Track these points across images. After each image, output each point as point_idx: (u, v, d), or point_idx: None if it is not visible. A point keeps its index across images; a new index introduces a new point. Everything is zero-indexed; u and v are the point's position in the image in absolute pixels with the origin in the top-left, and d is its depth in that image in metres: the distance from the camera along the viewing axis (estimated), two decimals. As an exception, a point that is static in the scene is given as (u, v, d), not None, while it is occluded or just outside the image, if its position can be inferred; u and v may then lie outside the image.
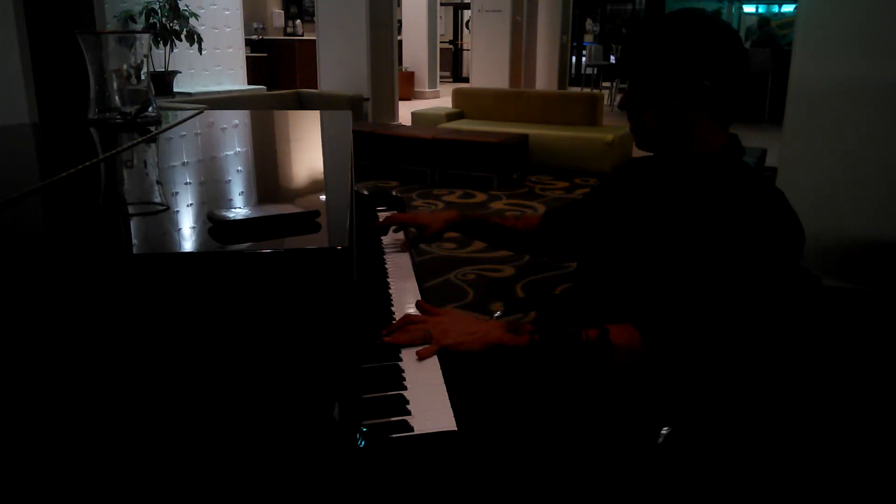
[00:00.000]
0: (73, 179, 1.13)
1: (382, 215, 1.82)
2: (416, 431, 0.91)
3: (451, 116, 7.19)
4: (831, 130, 3.25)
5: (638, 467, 1.17)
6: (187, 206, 1.05)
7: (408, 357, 1.10)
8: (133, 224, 1.00)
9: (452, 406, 0.98)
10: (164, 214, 1.02)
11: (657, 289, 1.20)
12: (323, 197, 1.16)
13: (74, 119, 1.78)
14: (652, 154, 1.33)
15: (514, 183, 5.78)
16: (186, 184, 1.21)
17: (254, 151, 1.66)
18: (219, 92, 7.53)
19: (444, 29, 15.78)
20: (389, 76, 7.99)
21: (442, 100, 12.00)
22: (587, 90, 10.91)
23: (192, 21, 7.65)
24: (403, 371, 1.06)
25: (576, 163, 6.09)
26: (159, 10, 7.45)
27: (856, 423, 2.26)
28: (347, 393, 0.92)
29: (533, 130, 6.27)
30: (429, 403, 0.98)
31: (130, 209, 1.07)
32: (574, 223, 1.54)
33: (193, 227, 0.94)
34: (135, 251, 0.89)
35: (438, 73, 13.43)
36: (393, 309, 1.30)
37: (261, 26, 12.13)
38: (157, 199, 1.12)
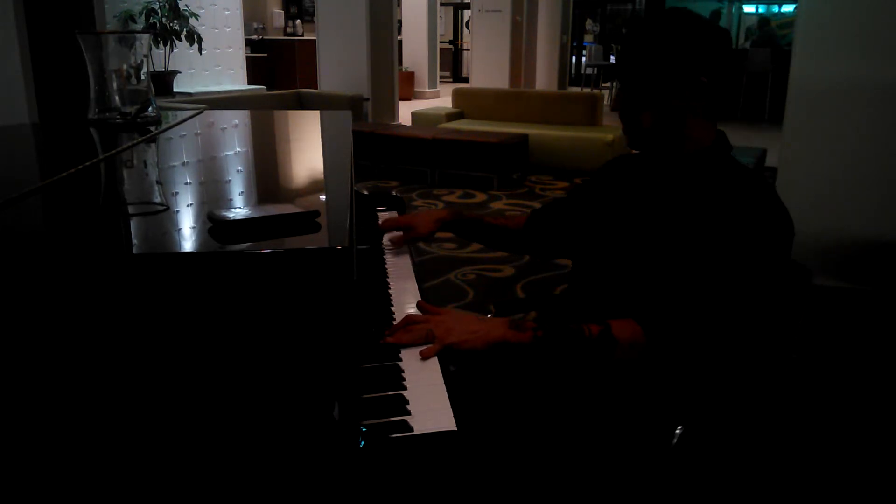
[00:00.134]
0: (73, 179, 1.13)
1: (382, 215, 1.82)
2: (416, 431, 0.91)
3: (451, 116, 7.19)
4: (831, 130, 3.25)
5: (637, 467, 1.17)
6: (187, 206, 1.05)
7: (408, 357, 1.10)
8: (133, 224, 1.00)
9: (452, 406, 0.98)
10: (164, 214, 1.02)
11: (656, 283, 1.20)
12: (323, 197, 1.16)
13: (74, 119, 1.78)
14: (639, 151, 1.35)
15: (514, 183, 5.78)
16: (186, 184, 1.21)
17: (254, 151, 1.66)
18: (219, 92, 7.53)
19: (444, 29, 15.78)
20: (389, 76, 7.99)
21: (442, 100, 12.00)
22: (587, 90, 10.91)
23: (192, 21, 7.65)
24: (403, 371, 1.06)
25: (576, 163, 6.09)
26: (159, 10, 7.45)
27: (856, 423, 2.26)
28: (347, 393, 0.92)
29: (533, 130, 6.27)
30: (429, 403, 0.98)
31: (130, 209, 1.07)
32: (560, 221, 1.55)
33: (193, 227, 0.94)
34: (135, 251, 0.89)
35: (438, 73, 13.43)
36: (393, 309, 1.30)
37: (261, 26, 12.13)
38: (157, 199, 1.12)
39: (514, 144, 5.74)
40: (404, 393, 1.00)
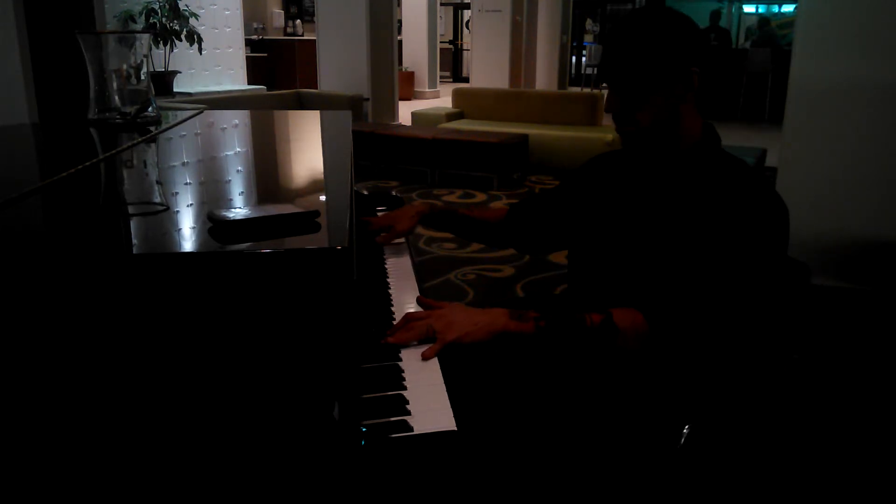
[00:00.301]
0: (73, 179, 1.13)
1: (381, 215, 1.82)
2: (416, 431, 0.91)
3: (451, 116, 7.19)
4: (831, 130, 3.25)
5: (645, 467, 1.17)
6: (187, 206, 1.05)
7: (408, 357, 1.10)
8: (133, 224, 1.00)
9: (452, 406, 0.98)
10: (164, 214, 1.02)
11: (656, 274, 1.21)
12: (323, 197, 1.16)
13: (74, 119, 1.78)
14: (621, 149, 1.36)
15: (514, 183, 5.78)
16: (186, 184, 1.21)
17: (254, 151, 1.66)
18: (219, 92, 7.53)
19: (444, 29, 15.78)
20: (389, 76, 7.99)
21: (442, 100, 12.00)
22: (587, 90, 10.90)
23: (192, 21, 7.65)
24: (403, 371, 1.06)
25: (576, 163, 6.02)
26: (159, 10, 7.45)
27: (856, 423, 2.26)
28: (347, 393, 0.92)
29: (533, 130, 6.27)
30: (429, 403, 0.98)
31: (130, 209, 1.07)
32: (543, 214, 1.55)
33: (193, 227, 0.94)
34: (135, 251, 0.89)
35: (438, 73, 13.43)
36: (393, 309, 1.30)
37: (261, 26, 12.13)
38: (157, 199, 1.12)
39: (514, 144, 5.74)
40: (404, 393, 1.00)
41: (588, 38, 15.38)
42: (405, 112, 8.27)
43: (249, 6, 10.83)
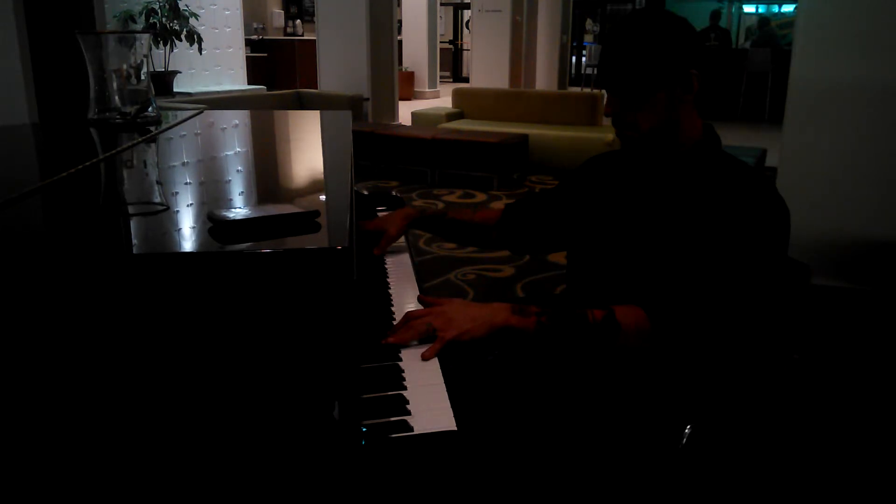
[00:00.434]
0: (73, 179, 1.13)
1: (382, 216, 1.82)
2: (416, 431, 0.91)
3: (451, 116, 7.19)
4: (831, 130, 3.25)
5: (646, 467, 1.17)
6: (187, 206, 1.05)
7: (408, 357, 1.10)
8: (133, 224, 1.00)
9: (452, 406, 0.98)
10: (164, 214, 1.02)
11: (657, 274, 1.21)
12: (323, 197, 1.16)
13: (74, 119, 1.78)
14: (619, 149, 1.36)
15: (514, 183, 5.78)
16: (186, 184, 1.21)
17: (254, 151, 1.66)
18: (219, 92, 7.53)
19: (444, 29, 15.78)
20: (389, 76, 7.99)
21: (442, 100, 12.00)
22: (587, 90, 10.90)
23: (192, 21, 7.64)
24: (403, 371, 1.06)
25: (576, 163, 6.02)
26: (159, 10, 7.44)
27: (856, 423, 2.26)
28: (347, 393, 0.92)
29: (533, 130, 6.27)
30: (429, 403, 0.98)
31: (130, 209, 1.07)
32: (540, 215, 1.54)
33: (193, 227, 0.94)
34: (135, 251, 0.89)
35: (438, 73, 13.43)
36: (393, 309, 1.30)
37: (261, 26, 12.13)
38: (157, 199, 1.12)
39: (514, 144, 5.74)
40: (404, 393, 1.00)
41: (588, 38, 15.38)
42: (405, 112, 8.27)
43: (249, 6, 10.83)
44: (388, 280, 1.44)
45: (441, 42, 13.92)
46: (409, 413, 0.95)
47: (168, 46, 7.47)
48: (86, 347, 0.77)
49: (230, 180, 1.25)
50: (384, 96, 7.90)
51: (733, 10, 13.84)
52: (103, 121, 1.67)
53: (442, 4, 14.27)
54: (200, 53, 7.91)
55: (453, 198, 5.34)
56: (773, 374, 1.33)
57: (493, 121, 6.98)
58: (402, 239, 1.68)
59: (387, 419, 0.93)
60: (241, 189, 1.19)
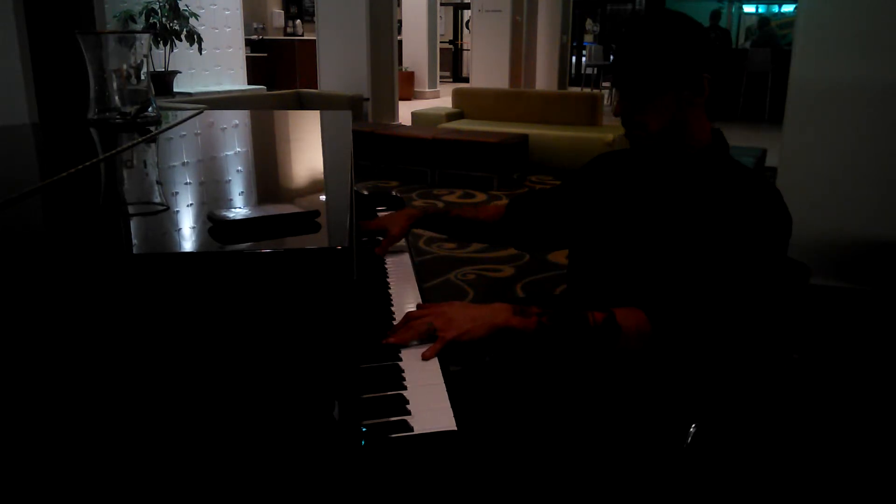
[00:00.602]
0: (73, 179, 1.13)
1: (382, 216, 1.82)
2: (416, 431, 0.91)
3: (451, 116, 7.19)
4: (831, 130, 3.25)
5: (650, 466, 1.17)
6: (187, 206, 1.05)
7: (408, 357, 1.10)
8: (133, 224, 1.00)
9: (452, 406, 0.98)
10: (164, 214, 1.02)
11: (659, 276, 1.21)
12: (323, 197, 1.16)
13: (74, 119, 1.78)
14: (626, 149, 1.35)
15: (514, 183, 5.78)
16: (186, 184, 1.21)
17: (254, 151, 1.66)
18: (219, 92, 7.53)
19: (444, 29, 15.78)
20: (389, 76, 7.99)
21: (442, 100, 12.00)
22: (587, 90, 10.91)
23: (192, 21, 7.64)
24: (403, 371, 1.06)
25: (576, 163, 6.04)
26: (159, 10, 7.44)
27: (856, 423, 2.26)
28: (347, 393, 0.92)
29: (533, 130, 6.26)
30: (429, 403, 0.98)
31: (130, 209, 1.07)
32: (543, 212, 1.54)
33: (193, 227, 0.94)
34: (135, 251, 0.89)
35: (438, 73, 13.42)
36: (393, 309, 1.30)
37: (261, 26, 12.13)
38: (157, 199, 1.12)
39: (514, 144, 5.74)
40: (404, 393, 1.00)
41: (588, 38, 15.38)
42: (405, 112, 8.27)
43: (249, 6, 10.83)
44: (388, 280, 1.44)
45: (441, 42, 13.92)
46: (409, 413, 0.95)
47: (168, 46, 7.47)
48: (86, 347, 0.77)
49: (230, 180, 1.25)
50: (384, 96, 7.90)
51: (733, 10, 13.84)
52: (103, 121, 1.67)
53: (442, 4, 14.27)
54: (200, 53, 7.91)
55: (453, 198, 5.34)
56: (773, 374, 1.33)
57: (493, 121, 6.97)
58: (403, 239, 1.68)
59: (387, 419, 0.93)
60: (241, 189, 1.19)
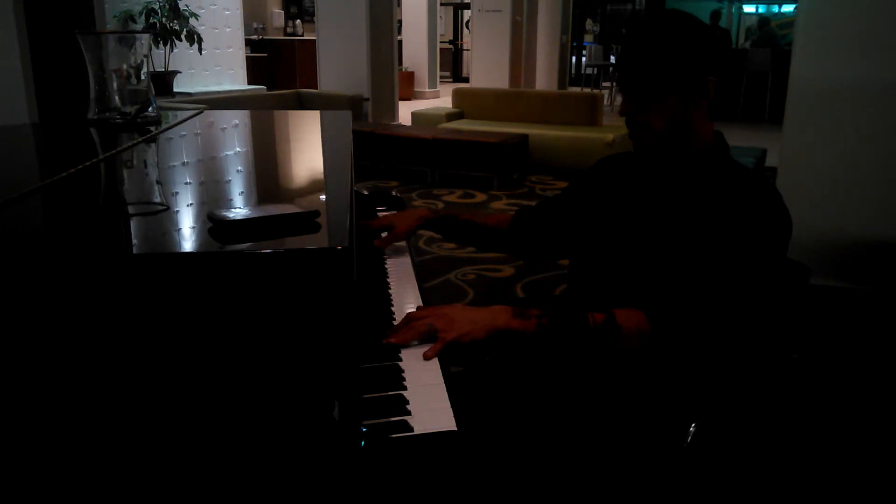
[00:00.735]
0: (73, 179, 1.13)
1: (382, 216, 1.82)
2: (416, 431, 0.91)
3: (451, 116, 7.19)
4: (831, 130, 3.25)
5: (650, 466, 1.17)
6: (187, 206, 1.05)
7: (408, 357, 1.10)
8: (133, 224, 1.00)
9: (452, 406, 0.98)
10: (164, 214, 1.02)
11: (659, 277, 1.21)
12: (323, 197, 1.16)
13: (74, 119, 1.78)
14: (630, 151, 1.35)
15: (514, 183, 5.78)
16: (186, 184, 1.21)
17: (254, 151, 1.66)
18: (219, 92, 7.53)
19: (444, 29, 15.78)
20: (389, 76, 7.99)
21: (442, 100, 12.00)
22: (587, 90, 10.91)
23: (192, 21, 7.64)
24: (403, 371, 1.06)
25: (576, 163, 6.08)
26: (159, 10, 7.45)
27: (856, 423, 2.26)
28: (347, 393, 0.92)
29: (533, 130, 6.26)
30: (429, 403, 0.98)
31: (130, 209, 1.07)
32: (550, 220, 1.53)
33: (193, 227, 0.94)
34: (135, 251, 0.89)
35: (438, 73, 13.43)
36: (393, 309, 1.30)
37: (261, 26, 12.13)
38: (157, 199, 1.12)
39: (514, 144, 5.74)
40: (404, 393, 1.00)
41: (588, 38, 15.38)
42: (405, 112, 8.27)
43: (249, 6, 10.83)
44: (388, 280, 1.44)
45: (441, 42, 13.92)
46: (409, 413, 0.95)
47: (168, 46, 7.47)
48: (86, 347, 0.77)
49: (230, 180, 1.25)
50: (384, 96, 7.90)
51: (733, 10, 13.84)
52: (103, 121, 1.67)
53: (442, 4, 14.27)
54: (200, 53, 7.91)
55: (453, 198, 5.34)
56: (773, 374, 1.33)
57: (493, 121, 6.98)
58: (403, 241, 1.68)
59: (387, 419, 0.93)
60: (241, 189, 1.19)
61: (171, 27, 7.46)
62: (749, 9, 13.82)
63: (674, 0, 12.97)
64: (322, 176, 1.34)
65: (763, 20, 11.48)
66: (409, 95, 12.25)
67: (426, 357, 1.09)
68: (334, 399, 0.83)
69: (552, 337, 1.15)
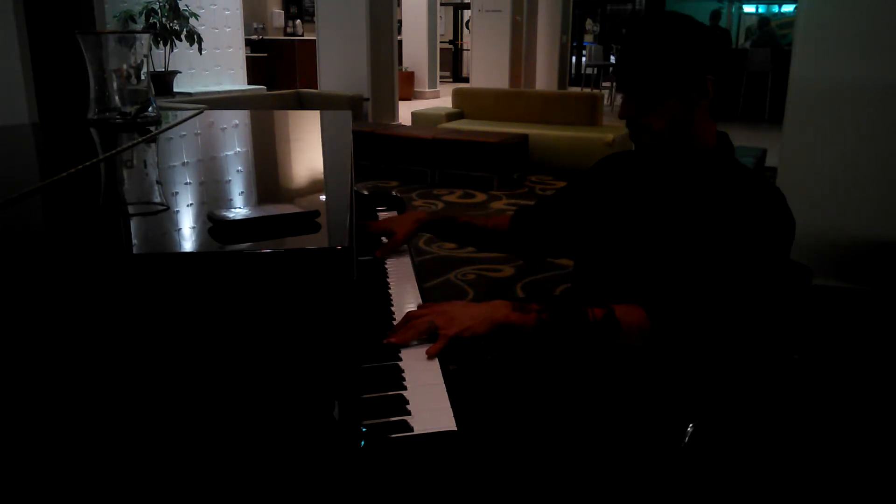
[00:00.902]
0: (73, 179, 1.13)
1: (382, 216, 1.82)
2: (416, 431, 0.91)
3: (451, 116, 7.19)
4: (831, 130, 3.25)
5: (648, 465, 1.17)
6: (187, 206, 1.05)
7: (408, 357, 1.10)
8: (133, 224, 1.00)
9: (452, 406, 0.98)
10: (164, 214, 1.02)
11: (661, 276, 1.21)
12: (323, 197, 1.16)
13: (74, 119, 1.78)
14: (632, 150, 1.35)
15: (514, 183, 5.78)
16: (186, 184, 1.21)
17: (254, 151, 1.66)
18: (219, 92, 7.53)
19: (444, 29, 15.78)
20: (389, 76, 7.99)
21: (442, 100, 12.00)
22: (587, 90, 10.90)
23: (192, 21, 7.64)
24: (403, 371, 1.06)
25: (576, 163, 6.08)
26: (159, 10, 7.45)
27: (856, 423, 2.26)
28: (347, 393, 0.92)
29: (533, 130, 6.26)
30: (429, 403, 0.98)
31: (130, 209, 1.07)
32: (550, 219, 1.53)
33: (193, 227, 0.94)
34: (135, 251, 0.89)
35: (438, 73, 13.43)
36: (393, 309, 1.30)
37: (261, 26, 12.13)
38: (157, 199, 1.12)
39: (514, 144, 5.74)
40: (404, 393, 1.00)
41: (588, 38, 15.38)
42: (405, 112, 8.27)
43: (249, 6, 10.83)
44: (388, 280, 1.44)
45: (441, 42, 13.92)
46: (409, 413, 0.95)
47: (168, 46, 7.47)
48: (86, 347, 0.77)
49: (230, 180, 1.25)
50: (384, 96, 7.90)
51: (733, 10, 13.84)
52: (103, 121, 1.67)
53: (442, 4, 14.28)
54: (200, 53, 7.91)
55: (453, 198, 5.34)
56: (773, 374, 1.33)
57: (493, 121, 6.98)
58: (405, 246, 1.68)
59: (387, 419, 0.93)
60: (241, 189, 1.19)
61: (171, 27, 7.46)
62: (749, 9, 13.82)
63: (674, 0, 12.97)
64: (322, 176, 1.34)
65: (763, 20, 11.49)
66: (409, 95, 12.25)
67: (428, 354, 1.09)
68: (334, 399, 0.83)
69: (552, 331, 1.15)
